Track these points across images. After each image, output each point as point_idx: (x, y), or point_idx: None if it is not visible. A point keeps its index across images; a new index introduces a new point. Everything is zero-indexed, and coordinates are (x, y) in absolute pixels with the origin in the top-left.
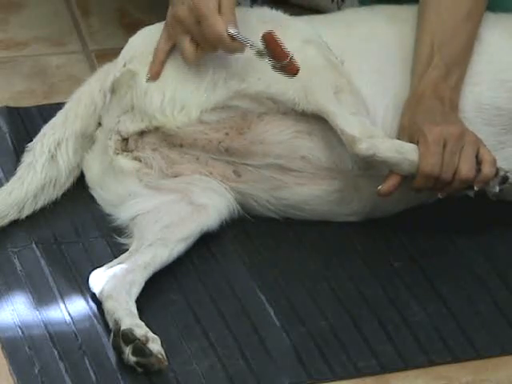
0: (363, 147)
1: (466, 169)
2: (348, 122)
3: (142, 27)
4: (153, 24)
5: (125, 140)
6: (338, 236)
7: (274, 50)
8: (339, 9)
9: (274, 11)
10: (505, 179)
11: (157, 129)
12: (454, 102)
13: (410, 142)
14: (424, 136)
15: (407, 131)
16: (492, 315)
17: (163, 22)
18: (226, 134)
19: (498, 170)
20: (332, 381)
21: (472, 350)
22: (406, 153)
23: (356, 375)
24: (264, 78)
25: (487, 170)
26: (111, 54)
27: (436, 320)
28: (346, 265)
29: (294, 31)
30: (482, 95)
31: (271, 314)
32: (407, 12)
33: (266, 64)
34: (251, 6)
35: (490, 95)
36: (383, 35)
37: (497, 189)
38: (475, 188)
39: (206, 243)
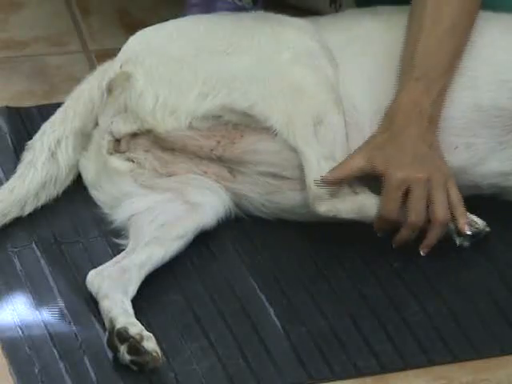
0: (322, 210)
1: (441, 212)
2: (317, 173)
3: (142, 27)
4: (153, 24)
5: (117, 141)
6: (338, 236)
7: None
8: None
9: (271, 14)
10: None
11: (149, 131)
12: (434, 116)
13: (373, 171)
14: (387, 180)
15: (373, 165)
16: (492, 315)
17: (161, 24)
18: (218, 142)
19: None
20: (332, 381)
21: (472, 350)
22: (367, 211)
23: (356, 375)
24: (249, 95)
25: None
26: (111, 54)
27: (436, 320)
28: (345, 265)
29: (286, 42)
30: (482, 97)
31: (271, 314)
32: (403, 16)
33: (252, 78)
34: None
35: (490, 96)
36: (377, 40)
37: (466, 244)
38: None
39: (205, 243)
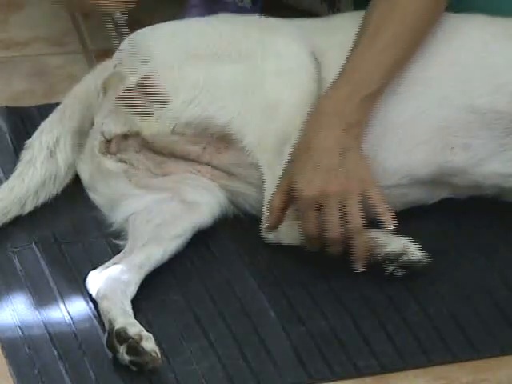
0: (269, 237)
1: (353, 220)
2: None
3: (142, 27)
4: (152, 24)
5: (108, 142)
6: None
7: None
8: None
9: (264, 19)
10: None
11: (138, 134)
12: (356, 121)
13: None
14: (298, 198)
15: (289, 184)
16: (492, 315)
17: (157, 25)
18: (204, 148)
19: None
20: (332, 381)
21: (472, 350)
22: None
23: (356, 375)
24: (227, 109)
25: (383, 215)
26: (111, 54)
27: (436, 320)
28: (345, 265)
29: (273, 52)
30: (477, 101)
31: (271, 314)
32: None
33: (234, 89)
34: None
35: (488, 100)
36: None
37: (400, 273)
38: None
39: (205, 243)
